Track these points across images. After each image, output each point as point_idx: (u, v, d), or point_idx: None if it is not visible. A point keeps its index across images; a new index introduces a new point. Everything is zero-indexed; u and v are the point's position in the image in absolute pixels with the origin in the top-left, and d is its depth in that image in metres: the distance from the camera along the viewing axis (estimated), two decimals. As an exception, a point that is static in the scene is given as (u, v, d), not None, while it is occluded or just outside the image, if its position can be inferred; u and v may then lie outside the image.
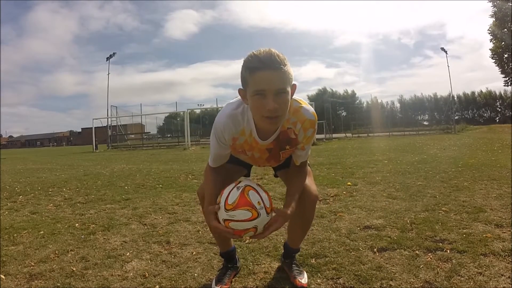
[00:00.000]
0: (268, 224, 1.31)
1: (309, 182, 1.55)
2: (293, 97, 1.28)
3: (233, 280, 1.73)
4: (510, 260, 1.79)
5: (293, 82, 1.20)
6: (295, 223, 1.64)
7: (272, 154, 1.42)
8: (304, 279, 1.68)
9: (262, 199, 1.29)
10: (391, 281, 1.64)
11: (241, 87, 1.22)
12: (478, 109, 60.26)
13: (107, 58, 27.25)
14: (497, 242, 2.02)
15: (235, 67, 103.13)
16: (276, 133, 1.34)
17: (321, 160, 7.36)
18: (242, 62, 1.17)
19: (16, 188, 5.17)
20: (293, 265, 1.76)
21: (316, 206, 1.65)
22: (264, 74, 1.11)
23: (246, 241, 2.28)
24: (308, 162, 1.55)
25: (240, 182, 1.34)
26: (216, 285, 1.64)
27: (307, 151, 1.44)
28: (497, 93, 57.43)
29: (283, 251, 1.86)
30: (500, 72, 29.94)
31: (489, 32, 28.91)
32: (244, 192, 1.28)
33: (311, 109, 1.33)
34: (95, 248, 2.29)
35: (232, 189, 1.30)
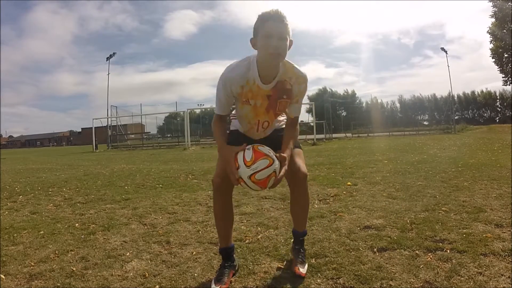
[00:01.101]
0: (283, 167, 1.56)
1: (299, 161, 1.74)
2: (288, 60, 1.60)
3: (232, 279, 1.73)
4: (510, 260, 1.79)
5: (290, 35, 1.53)
6: (293, 204, 1.86)
7: (271, 102, 1.65)
8: (304, 269, 1.76)
9: (269, 150, 1.57)
10: (391, 281, 1.64)
11: (252, 37, 1.57)
12: (478, 109, 60.22)
13: (107, 58, 27.28)
14: (497, 242, 2.02)
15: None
16: (275, 81, 1.61)
17: (321, 160, 7.36)
18: (257, 17, 1.53)
19: (16, 188, 5.17)
20: (300, 254, 1.85)
21: (312, 197, 1.79)
22: (272, 23, 1.48)
23: (246, 241, 2.28)
24: (299, 144, 1.82)
25: (246, 145, 1.59)
26: (215, 285, 1.65)
27: (300, 105, 1.74)
28: (497, 93, 57.43)
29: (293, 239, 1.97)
30: (499, 72, 29.97)
31: (489, 32, 28.94)
32: (255, 148, 1.56)
33: (303, 71, 1.66)
34: (95, 248, 2.29)
35: (244, 151, 1.55)
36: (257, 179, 1.50)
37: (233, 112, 1.88)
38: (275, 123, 1.81)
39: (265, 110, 1.68)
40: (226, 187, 1.69)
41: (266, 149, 1.57)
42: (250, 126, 1.78)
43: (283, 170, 1.54)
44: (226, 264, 1.78)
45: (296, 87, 1.65)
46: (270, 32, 1.48)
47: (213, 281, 1.68)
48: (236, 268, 1.84)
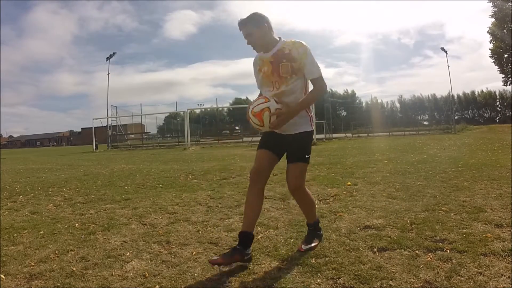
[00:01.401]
0: (279, 111, 1.92)
1: (290, 176, 2.03)
2: (296, 41, 2.02)
3: (231, 280, 1.73)
4: (510, 260, 1.79)
5: (261, 24, 2.00)
6: (299, 205, 2.29)
7: (274, 66, 2.01)
8: (304, 245, 2.11)
9: (272, 97, 1.99)
10: (391, 281, 1.64)
11: None
12: (478, 109, 60.20)
13: (107, 58, 27.26)
14: (497, 242, 2.02)
15: (234, 67, 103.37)
16: (273, 50, 2.03)
17: (321, 160, 7.37)
18: None
19: (16, 188, 5.18)
20: (309, 234, 2.23)
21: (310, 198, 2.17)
22: (240, 29, 2.05)
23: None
24: (306, 158, 2.04)
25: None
26: (215, 257, 1.94)
27: (311, 67, 1.99)
28: (497, 93, 57.43)
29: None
30: (499, 72, 29.96)
31: (489, 32, 28.94)
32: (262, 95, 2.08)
33: (291, 40, 2.05)
34: (95, 248, 2.29)
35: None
36: (254, 112, 1.95)
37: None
38: (289, 86, 2.02)
39: (271, 73, 2.03)
40: (260, 179, 2.02)
41: (269, 96, 2.01)
42: (269, 89, 2.07)
43: (282, 115, 1.92)
44: (237, 247, 1.92)
45: (294, 51, 1.98)
46: (242, 35, 2.06)
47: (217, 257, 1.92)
48: (246, 257, 1.92)
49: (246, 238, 1.95)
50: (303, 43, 2.00)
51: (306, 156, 2.03)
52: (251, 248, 1.97)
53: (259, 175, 2.01)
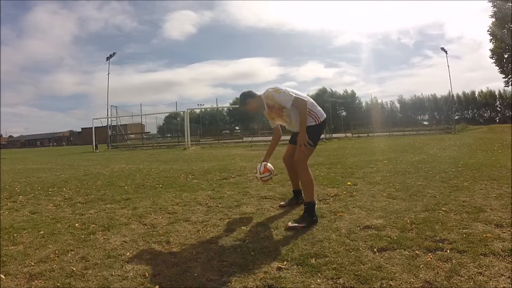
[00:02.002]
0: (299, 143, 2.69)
1: (297, 152, 2.71)
2: (268, 91, 2.80)
3: (232, 280, 1.73)
4: (510, 260, 1.79)
5: (247, 101, 2.87)
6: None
7: (274, 113, 2.92)
8: (291, 222, 2.59)
9: (271, 167, 3.15)
10: (391, 281, 1.64)
11: None
12: (478, 109, 60.12)
13: (107, 58, 27.25)
14: (497, 242, 2.03)
15: (234, 67, 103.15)
16: (266, 108, 2.88)
17: (321, 160, 7.36)
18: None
19: (16, 188, 5.18)
20: (302, 214, 2.67)
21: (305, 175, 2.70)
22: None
23: (246, 241, 2.29)
24: (313, 143, 2.76)
25: (263, 160, 3.16)
26: (280, 204, 3.26)
27: (284, 100, 2.70)
28: (497, 93, 57.38)
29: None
30: (499, 72, 29.93)
31: (489, 32, 28.93)
32: (265, 166, 3.12)
33: (267, 90, 2.82)
34: (95, 248, 2.29)
35: (261, 164, 3.12)
36: (263, 179, 3.16)
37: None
38: (289, 114, 2.86)
39: (276, 116, 2.98)
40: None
41: (269, 166, 3.12)
42: (282, 123, 3.04)
43: (301, 145, 2.68)
44: (292, 197, 3.30)
45: (270, 101, 2.81)
46: None
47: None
48: (298, 201, 3.22)
49: (297, 192, 3.23)
50: (269, 91, 2.77)
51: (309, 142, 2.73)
52: (301, 196, 3.10)
53: (285, 159, 3.18)
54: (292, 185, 3.29)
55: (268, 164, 3.12)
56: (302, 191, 2.87)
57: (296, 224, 2.53)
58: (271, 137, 3.29)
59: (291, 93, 2.69)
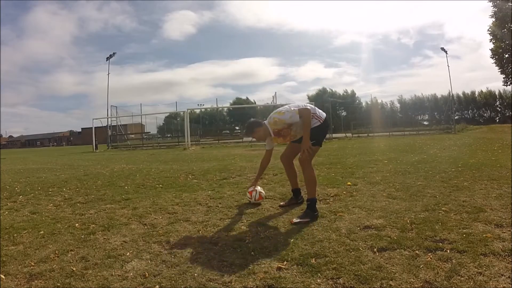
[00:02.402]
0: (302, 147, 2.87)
1: (304, 157, 2.86)
2: (272, 117, 3.00)
3: (232, 279, 1.73)
4: (510, 260, 1.79)
5: (257, 128, 3.06)
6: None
7: (281, 136, 3.07)
8: (295, 218, 2.71)
9: (263, 195, 3.46)
10: (391, 281, 1.64)
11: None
12: (478, 109, 60.09)
13: (107, 58, 27.25)
14: (497, 242, 2.03)
15: (234, 67, 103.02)
16: (272, 134, 3.07)
17: (321, 160, 7.36)
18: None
19: (16, 188, 5.17)
20: (305, 210, 2.81)
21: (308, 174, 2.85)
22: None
23: (246, 241, 2.29)
24: (319, 142, 3.01)
25: (255, 188, 3.42)
26: (280, 204, 3.28)
27: (290, 117, 2.89)
28: (497, 93, 57.34)
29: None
30: (500, 72, 29.93)
31: (489, 32, 28.91)
32: (260, 194, 3.40)
33: (270, 117, 3.02)
34: (95, 248, 2.29)
35: (256, 191, 3.37)
36: (256, 201, 3.37)
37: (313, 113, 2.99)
38: (296, 130, 3.04)
39: (284, 139, 3.14)
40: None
41: (263, 194, 3.44)
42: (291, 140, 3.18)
43: (305, 150, 2.84)
44: (292, 197, 3.38)
45: (274, 127, 3.00)
46: None
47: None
48: (297, 200, 3.32)
49: (296, 191, 3.33)
50: (273, 117, 2.96)
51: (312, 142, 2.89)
52: (301, 195, 3.34)
53: (283, 158, 3.37)
54: (291, 184, 3.36)
55: (262, 192, 3.43)
56: (303, 189, 2.95)
57: (300, 220, 2.66)
58: (263, 157, 3.32)
59: (292, 109, 2.89)
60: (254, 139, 3.10)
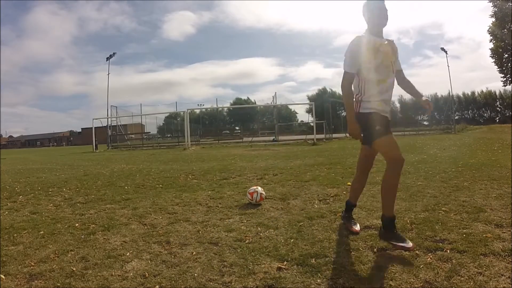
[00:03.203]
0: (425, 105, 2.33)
1: (386, 150, 2.22)
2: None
3: (232, 279, 1.73)
4: (510, 260, 1.79)
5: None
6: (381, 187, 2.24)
7: (392, 50, 2.25)
8: (409, 243, 1.99)
9: (264, 196, 3.44)
10: (391, 281, 1.64)
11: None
12: (478, 109, 60.13)
13: (107, 58, 27.25)
14: (497, 242, 2.02)
15: (234, 67, 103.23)
16: (385, 38, 2.24)
17: (321, 160, 7.36)
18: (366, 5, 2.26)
19: (16, 188, 5.18)
20: (398, 236, 2.06)
21: (396, 173, 2.16)
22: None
23: (246, 241, 2.29)
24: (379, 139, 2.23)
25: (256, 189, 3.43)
26: (355, 227, 2.38)
27: (398, 62, 2.35)
28: (497, 93, 57.37)
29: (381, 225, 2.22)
30: (499, 72, 29.94)
31: (489, 32, 28.93)
32: (261, 196, 3.40)
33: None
34: (95, 248, 2.29)
35: (257, 193, 3.39)
36: (257, 203, 3.35)
37: (364, 96, 2.25)
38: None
39: (391, 54, 2.26)
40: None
41: (264, 195, 3.43)
42: (387, 70, 2.22)
43: (430, 106, 2.37)
44: (346, 214, 2.55)
45: (394, 47, 2.30)
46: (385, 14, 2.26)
47: (348, 224, 2.43)
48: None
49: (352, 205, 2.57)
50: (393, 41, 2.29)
51: (365, 135, 2.28)
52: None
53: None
54: (352, 197, 2.58)
55: (263, 193, 3.41)
56: (383, 205, 2.16)
57: (410, 243, 2.00)
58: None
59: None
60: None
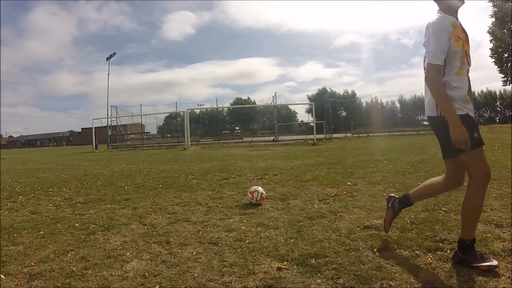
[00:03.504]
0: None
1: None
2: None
3: (232, 279, 1.73)
4: (510, 260, 1.79)
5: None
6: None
7: (467, 37, 1.82)
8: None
9: (264, 196, 3.46)
10: (391, 281, 1.64)
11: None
12: (478, 109, 60.02)
13: (107, 58, 27.37)
14: (497, 242, 2.03)
15: (234, 67, 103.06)
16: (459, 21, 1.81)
17: (321, 160, 7.36)
18: None
19: (16, 188, 5.18)
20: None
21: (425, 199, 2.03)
22: None
23: (246, 241, 2.28)
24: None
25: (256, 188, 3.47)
26: (492, 262, 1.70)
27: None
28: (497, 93, 57.37)
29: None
30: (499, 72, 29.94)
31: (489, 32, 28.92)
32: (262, 195, 3.40)
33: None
34: (95, 248, 2.29)
35: (258, 192, 3.41)
36: (257, 202, 3.36)
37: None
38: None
39: (466, 41, 1.83)
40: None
41: (264, 195, 3.44)
42: (464, 61, 1.82)
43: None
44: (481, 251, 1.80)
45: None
46: None
47: (484, 262, 1.69)
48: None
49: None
50: None
51: (445, 145, 1.85)
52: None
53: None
54: (474, 230, 1.85)
55: (264, 192, 3.43)
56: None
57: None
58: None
59: None
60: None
